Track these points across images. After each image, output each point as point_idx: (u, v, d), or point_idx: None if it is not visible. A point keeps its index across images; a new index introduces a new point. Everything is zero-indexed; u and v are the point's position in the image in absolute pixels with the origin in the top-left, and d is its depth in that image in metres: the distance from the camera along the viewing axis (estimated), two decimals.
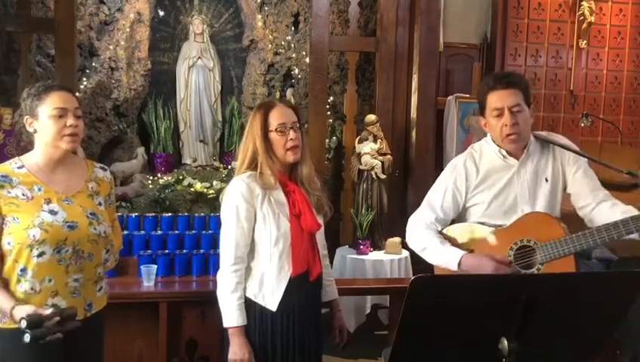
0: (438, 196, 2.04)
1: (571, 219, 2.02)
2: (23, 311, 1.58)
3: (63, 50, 4.07)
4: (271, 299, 1.89)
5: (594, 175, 2.00)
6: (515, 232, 1.91)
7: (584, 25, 4.98)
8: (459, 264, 1.87)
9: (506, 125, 1.89)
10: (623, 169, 1.91)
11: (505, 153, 1.97)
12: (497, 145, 1.99)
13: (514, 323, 1.24)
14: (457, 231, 2.02)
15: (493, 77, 2.01)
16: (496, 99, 1.91)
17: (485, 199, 1.98)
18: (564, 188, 2.01)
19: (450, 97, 4.64)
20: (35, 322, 1.53)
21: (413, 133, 4.30)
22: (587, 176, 1.98)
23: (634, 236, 1.82)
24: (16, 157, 1.80)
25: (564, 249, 1.84)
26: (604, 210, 1.90)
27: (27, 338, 1.52)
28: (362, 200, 4.03)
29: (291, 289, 1.89)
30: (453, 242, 1.98)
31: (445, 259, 1.92)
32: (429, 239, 1.98)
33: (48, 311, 1.56)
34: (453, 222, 2.08)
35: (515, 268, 1.88)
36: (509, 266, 1.86)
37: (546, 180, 1.97)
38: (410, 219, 2.10)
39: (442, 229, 2.03)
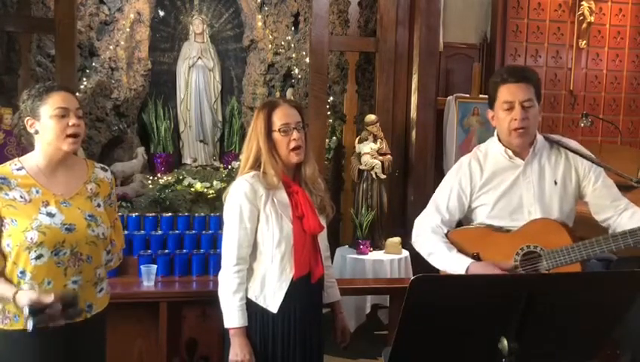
0: (444, 197, 2.03)
1: (588, 222, 1.99)
2: (25, 296, 1.59)
3: (63, 50, 4.06)
4: (272, 300, 1.89)
5: (612, 183, 1.96)
6: (522, 237, 1.89)
7: (584, 25, 4.99)
8: (466, 272, 1.85)
9: (516, 119, 1.87)
10: (633, 178, 1.90)
11: (511, 153, 1.95)
12: (503, 145, 1.97)
13: (514, 323, 1.24)
14: (463, 234, 2.00)
15: (506, 70, 1.98)
16: (508, 92, 1.89)
17: (490, 200, 1.96)
18: (581, 196, 1.98)
19: (450, 97, 4.64)
20: (37, 309, 1.56)
21: (413, 133, 4.30)
22: (607, 186, 1.95)
23: None
24: (16, 159, 1.79)
25: (571, 256, 1.81)
26: (624, 220, 1.89)
27: (30, 325, 1.54)
28: (362, 200, 4.03)
29: (293, 292, 1.89)
30: (459, 246, 1.96)
31: (452, 266, 1.90)
32: (436, 245, 1.96)
33: (50, 299, 1.57)
34: (460, 223, 2.07)
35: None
36: None
37: (555, 183, 1.93)
38: (416, 221, 2.08)
39: (448, 231, 2.01)
